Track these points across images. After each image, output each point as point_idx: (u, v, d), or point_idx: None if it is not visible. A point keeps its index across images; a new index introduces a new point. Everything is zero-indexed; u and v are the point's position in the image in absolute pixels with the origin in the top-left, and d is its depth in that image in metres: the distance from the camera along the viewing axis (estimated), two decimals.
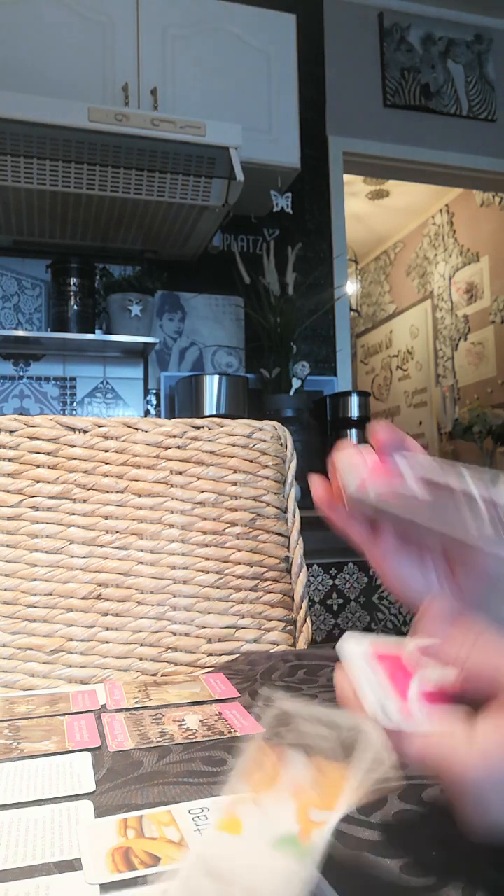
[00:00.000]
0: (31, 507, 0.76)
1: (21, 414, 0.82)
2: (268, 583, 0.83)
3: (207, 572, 0.80)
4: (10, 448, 0.77)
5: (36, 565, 0.75)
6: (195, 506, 0.82)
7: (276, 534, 0.85)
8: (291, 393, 2.38)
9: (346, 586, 1.82)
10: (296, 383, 2.39)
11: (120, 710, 0.58)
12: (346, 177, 2.98)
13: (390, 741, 0.30)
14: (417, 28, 2.98)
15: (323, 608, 1.80)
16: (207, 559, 0.81)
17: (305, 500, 2.28)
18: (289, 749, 0.29)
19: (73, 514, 0.77)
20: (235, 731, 0.51)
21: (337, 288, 2.77)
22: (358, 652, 0.33)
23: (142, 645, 0.76)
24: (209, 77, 2.27)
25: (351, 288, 4.79)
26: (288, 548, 0.85)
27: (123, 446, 0.81)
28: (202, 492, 0.82)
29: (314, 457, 2.35)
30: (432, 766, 0.29)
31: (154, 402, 2.53)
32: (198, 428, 0.84)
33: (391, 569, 0.42)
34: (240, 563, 0.82)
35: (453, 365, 4.40)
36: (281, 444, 0.88)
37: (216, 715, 0.55)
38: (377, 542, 0.42)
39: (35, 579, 0.75)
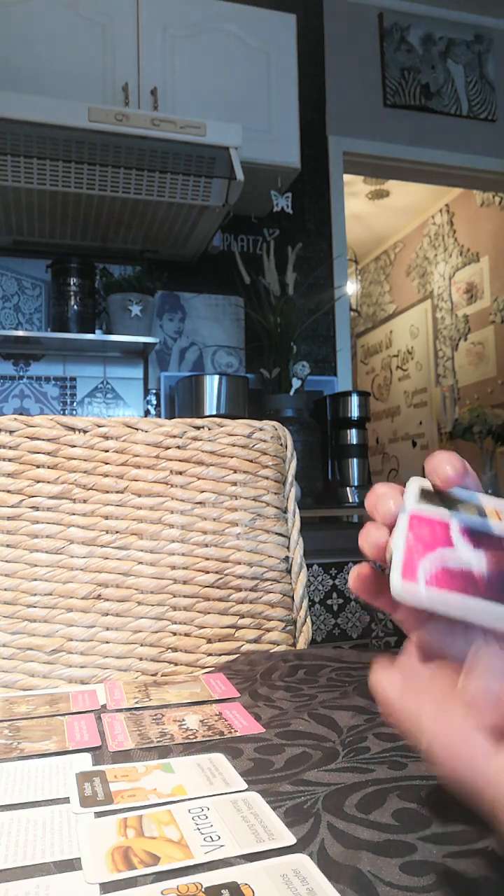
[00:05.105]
0: (31, 507, 0.76)
1: (21, 414, 0.82)
2: (268, 583, 0.83)
3: (207, 572, 0.80)
4: (10, 448, 0.77)
5: (36, 565, 0.75)
6: (195, 506, 0.82)
7: (276, 534, 0.85)
8: (291, 393, 2.38)
9: (346, 586, 1.82)
10: (296, 383, 2.39)
11: (120, 710, 0.58)
12: (346, 177, 2.98)
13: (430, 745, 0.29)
14: (417, 28, 2.98)
15: (323, 608, 1.79)
16: (207, 559, 0.81)
17: (305, 500, 2.26)
18: None
19: (73, 514, 0.77)
20: (235, 731, 0.51)
21: (337, 288, 2.77)
22: (410, 496, 0.32)
23: (142, 645, 0.76)
24: (209, 77, 2.27)
25: (351, 288, 4.79)
26: (288, 548, 0.85)
27: (123, 446, 0.81)
28: (202, 492, 0.82)
29: (314, 457, 2.35)
30: (444, 766, 0.28)
31: (154, 402, 2.53)
32: (198, 428, 0.84)
33: (426, 631, 0.34)
34: (240, 563, 0.82)
35: (453, 365, 4.40)
36: (281, 444, 0.88)
37: (216, 715, 0.55)
38: (426, 630, 0.34)
39: (35, 579, 0.75)
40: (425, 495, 0.33)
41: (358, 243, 5.14)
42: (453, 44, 3.04)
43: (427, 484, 0.34)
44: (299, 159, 2.36)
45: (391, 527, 0.33)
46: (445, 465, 0.32)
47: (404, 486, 0.35)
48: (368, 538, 0.33)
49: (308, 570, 1.72)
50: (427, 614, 0.33)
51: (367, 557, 0.34)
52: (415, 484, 0.34)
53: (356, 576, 0.35)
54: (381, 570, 0.35)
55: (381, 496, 0.33)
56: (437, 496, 0.33)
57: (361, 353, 5.70)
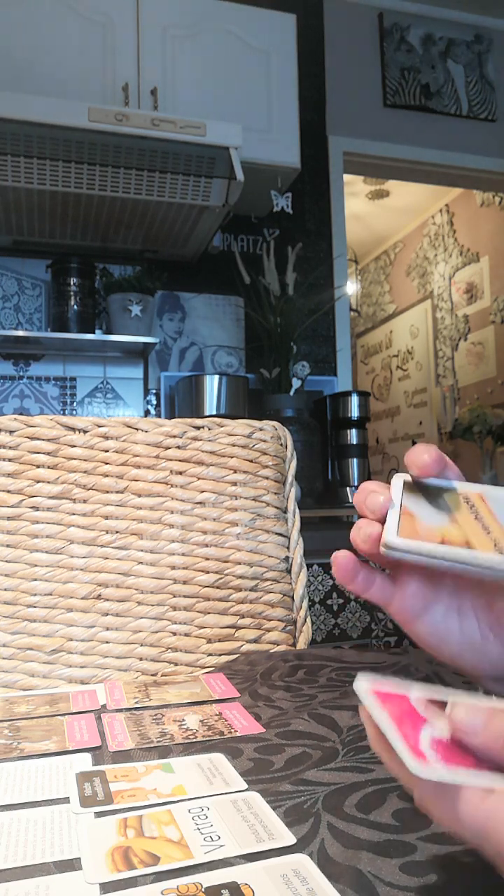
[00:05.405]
0: (31, 507, 0.76)
1: (21, 414, 0.82)
2: (268, 583, 0.83)
3: (207, 572, 0.80)
4: (10, 448, 0.77)
5: (36, 565, 0.75)
6: (195, 506, 0.82)
7: (276, 534, 0.85)
8: (291, 393, 2.37)
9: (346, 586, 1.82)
10: (296, 383, 2.39)
11: (120, 710, 0.58)
12: (346, 177, 2.98)
13: (422, 799, 0.26)
14: (417, 28, 2.98)
15: (323, 608, 1.79)
16: (207, 559, 0.81)
17: (305, 500, 2.25)
18: None
19: (73, 514, 0.77)
20: (235, 731, 0.51)
21: (337, 288, 2.77)
22: (363, 689, 0.29)
23: (142, 645, 0.76)
24: (209, 77, 2.27)
25: (351, 288, 4.79)
26: (288, 548, 0.85)
27: (123, 446, 0.81)
28: (202, 492, 0.82)
29: (314, 457, 2.35)
30: (489, 833, 0.23)
31: (154, 402, 2.53)
32: (198, 428, 0.84)
33: (423, 622, 0.36)
34: (240, 563, 0.82)
35: (453, 365, 4.40)
36: (281, 444, 0.88)
37: (216, 715, 0.55)
38: (403, 595, 0.37)
39: (35, 579, 0.75)
40: (409, 488, 0.37)
41: (358, 243, 5.14)
42: (453, 44, 3.04)
43: (409, 478, 0.37)
44: (299, 159, 2.36)
45: (381, 520, 0.36)
46: (423, 454, 0.36)
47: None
48: (361, 532, 0.36)
49: (308, 570, 1.72)
50: (400, 583, 0.37)
51: (359, 550, 0.37)
52: (399, 480, 0.37)
53: (337, 563, 0.38)
54: (366, 562, 0.39)
55: (371, 493, 0.37)
56: (420, 488, 0.36)
57: (361, 353, 5.70)
